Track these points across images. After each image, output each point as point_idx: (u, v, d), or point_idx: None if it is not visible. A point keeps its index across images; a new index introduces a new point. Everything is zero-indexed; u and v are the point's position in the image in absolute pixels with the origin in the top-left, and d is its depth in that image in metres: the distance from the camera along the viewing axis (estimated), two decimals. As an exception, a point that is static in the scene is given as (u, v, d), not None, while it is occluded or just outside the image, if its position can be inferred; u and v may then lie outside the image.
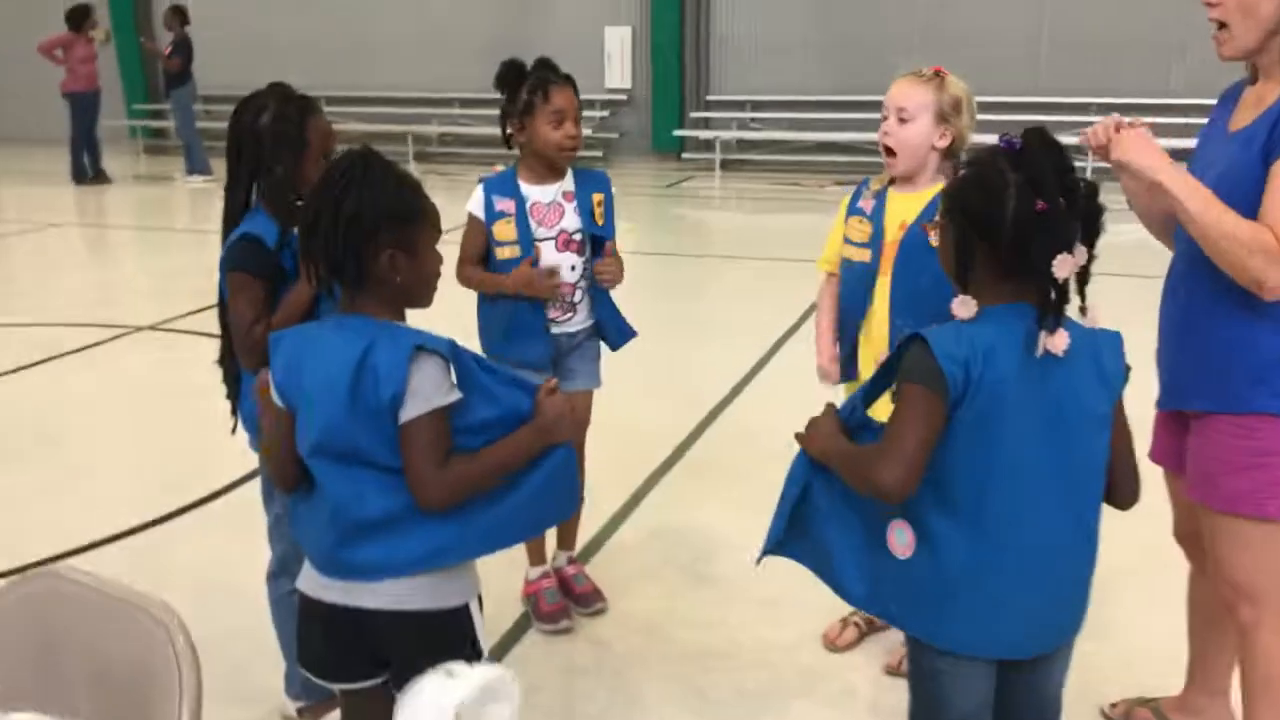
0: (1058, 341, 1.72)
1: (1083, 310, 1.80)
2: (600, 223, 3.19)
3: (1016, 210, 1.70)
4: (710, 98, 14.80)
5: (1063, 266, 1.69)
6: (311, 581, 2.02)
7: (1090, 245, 1.73)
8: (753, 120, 14.57)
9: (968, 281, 1.80)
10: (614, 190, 3.25)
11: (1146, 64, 12.89)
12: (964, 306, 1.78)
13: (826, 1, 14.05)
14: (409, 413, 1.86)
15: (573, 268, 3.16)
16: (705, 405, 5.26)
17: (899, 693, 2.94)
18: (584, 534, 3.64)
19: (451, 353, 1.92)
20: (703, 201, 12.80)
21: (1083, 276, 1.75)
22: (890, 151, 2.79)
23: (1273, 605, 2.23)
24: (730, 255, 9.40)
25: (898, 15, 13.77)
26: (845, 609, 3.28)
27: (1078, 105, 12.92)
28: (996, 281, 1.78)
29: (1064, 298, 1.72)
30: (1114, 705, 2.78)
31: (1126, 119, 2.14)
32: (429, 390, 1.87)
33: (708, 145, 14.46)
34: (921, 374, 1.76)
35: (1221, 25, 2.13)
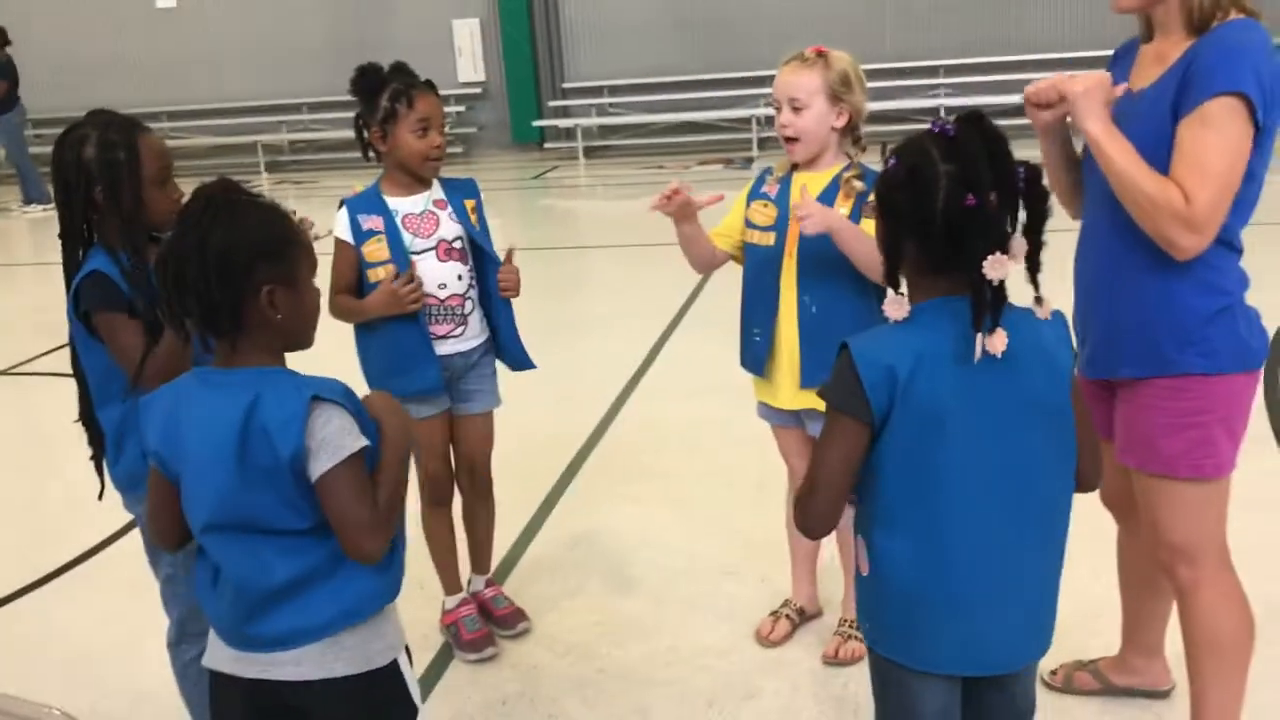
0: (995, 343, 1.62)
1: (1037, 300, 1.70)
2: (478, 228, 3.04)
3: (946, 204, 1.60)
4: (567, 85, 14.67)
5: (995, 267, 1.59)
6: (223, 656, 1.84)
7: (1036, 232, 1.64)
8: (611, 105, 14.49)
9: (897, 278, 1.71)
10: (480, 189, 3.10)
11: (985, 23, 13.23)
12: (895, 306, 1.68)
13: (674, -20, 14.02)
14: (322, 465, 1.70)
15: (459, 277, 3.00)
16: (602, 403, 5.15)
17: (843, 680, 2.92)
18: (496, 552, 3.50)
19: (346, 397, 1.77)
20: (569, 191, 12.68)
21: (1033, 264, 1.66)
22: (790, 140, 2.72)
23: (1211, 564, 2.23)
24: (603, 245, 9.31)
25: (745, -9, 13.83)
26: (775, 603, 3.23)
27: (926, 69, 13.23)
28: (928, 278, 1.69)
29: (1001, 297, 1.62)
30: (1053, 673, 2.78)
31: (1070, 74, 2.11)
32: (337, 437, 1.71)
33: (569, 134, 14.34)
34: (842, 395, 1.69)
35: None
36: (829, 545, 3.14)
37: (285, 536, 1.74)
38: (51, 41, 15.38)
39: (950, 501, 1.68)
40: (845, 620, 3.04)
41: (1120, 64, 2.28)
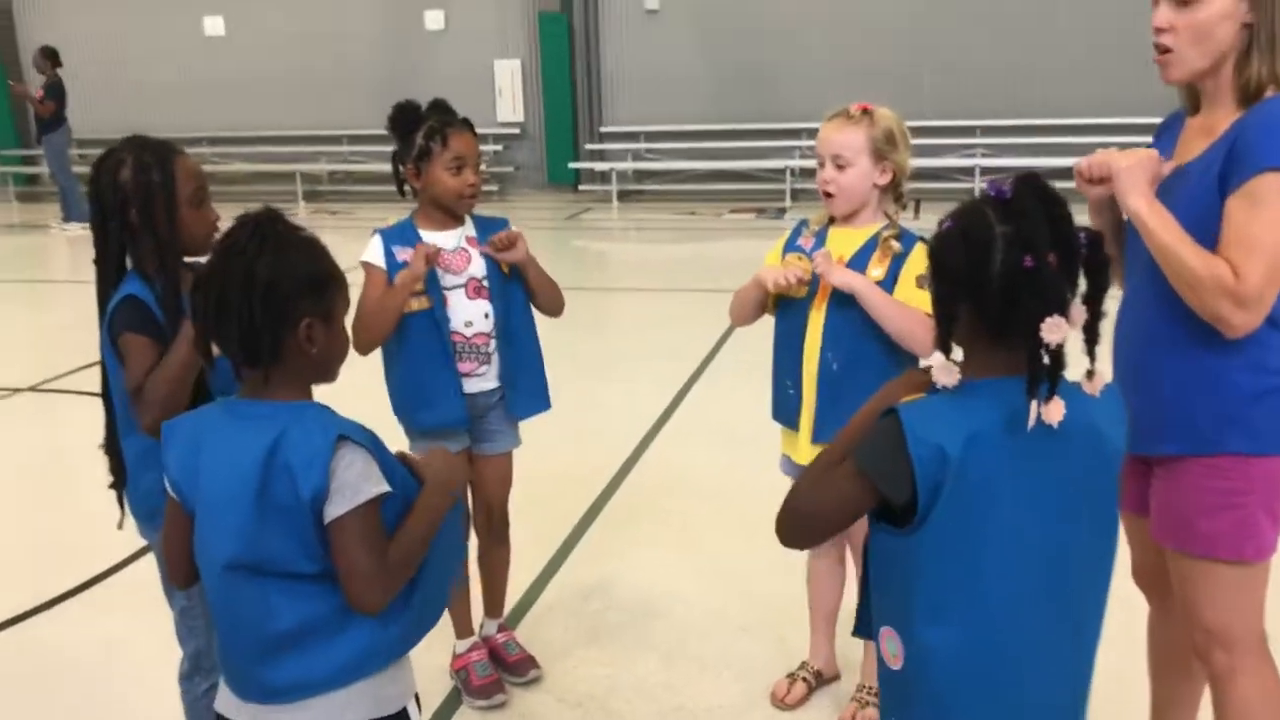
0: (1052, 412, 1.53)
1: (1089, 374, 1.61)
2: (506, 271, 3.01)
3: (1003, 266, 1.52)
4: (604, 129, 14.76)
5: (1053, 331, 1.50)
6: (230, 704, 1.80)
7: (1096, 302, 1.56)
8: (647, 150, 14.56)
9: (949, 343, 1.63)
10: (513, 227, 3.09)
11: (1024, 84, 13.24)
12: (946, 372, 1.60)
13: (714, 31, 14.13)
14: (337, 509, 1.66)
15: (485, 315, 2.98)
16: (624, 448, 5.11)
17: (860, 752, 2.84)
18: (510, 596, 3.45)
19: (372, 441, 1.73)
20: (602, 233, 12.71)
21: (1091, 336, 1.58)
22: (830, 195, 2.70)
23: (1248, 651, 2.16)
24: (633, 288, 9.31)
25: (783, 45, 13.91)
26: (792, 663, 3.16)
27: (963, 128, 13.24)
28: (983, 346, 1.61)
29: (1059, 364, 1.54)
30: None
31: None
32: (356, 481, 1.68)
33: (603, 177, 14.40)
34: (878, 465, 1.59)
35: (1164, 49, 2.07)
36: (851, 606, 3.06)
37: (296, 580, 1.70)
38: (100, 63, 15.67)
39: (998, 589, 1.59)
40: (864, 686, 2.96)
41: (1165, 137, 2.24)
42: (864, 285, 2.61)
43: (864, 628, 1.84)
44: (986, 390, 1.59)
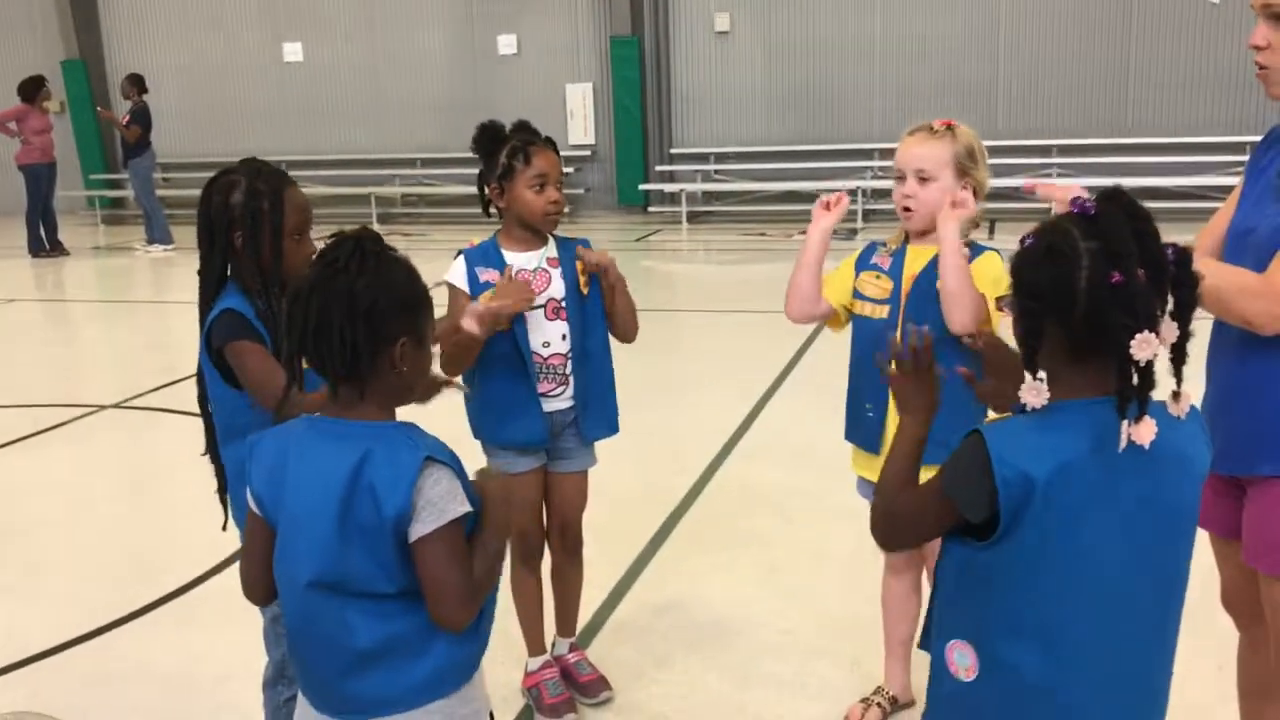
0: (1143, 432, 1.50)
1: (1175, 395, 1.58)
2: (585, 291, 3.03)
3: (1089, 282, 1.49)
4: (674, 151, 14.81)
5: (1143, 348, 1.47)
6: (311, 716, 1.83)
7: (1184, 321, 1.52)
8: (717, 172, 14.58)
9: (1035, 364, 1.59)
10: (595, 248, 3.10)
11: (1096, 107, 13.06)
12: (1033, 392, 1.56)
13: (785, 52, 14.14)
14: (423, 527, 1.69)
15: (563, 336, 3.00)
16: (697, 467, 5.10)
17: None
18: (582, 615, 3.45)
19: (454, 461, 1.76)
20: (671, 255, 12.72)
21: (1178, 357, 1.54)
22: (909, 210, 2.67)
23: (1343, 680, 2.09)
24: (703, 309, 9.30)
25: (854, 65, 13.87)
26: (866, 688, 3.12)
27: (1038, 148, 13.07)
28: (1069, 366, 1.57)
29: (1148, 382, 1.50)
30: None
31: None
32: (442, 501, 1.70)
33: (673, 198, 14.45)
34: (961, 487, 1.59)
35: (1263, 66, 2.04)
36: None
37: (373, 600, 1.73)
38: (184, 90, 16.12)
39: (1079, 609, 1.57)
40: (940, 711, 2.91)
41: (1271, 148, 2.19)
42: (955, 246, 2.55)
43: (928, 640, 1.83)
44: (1073, 411, 1.56)
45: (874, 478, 2.79)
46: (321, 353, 1.73)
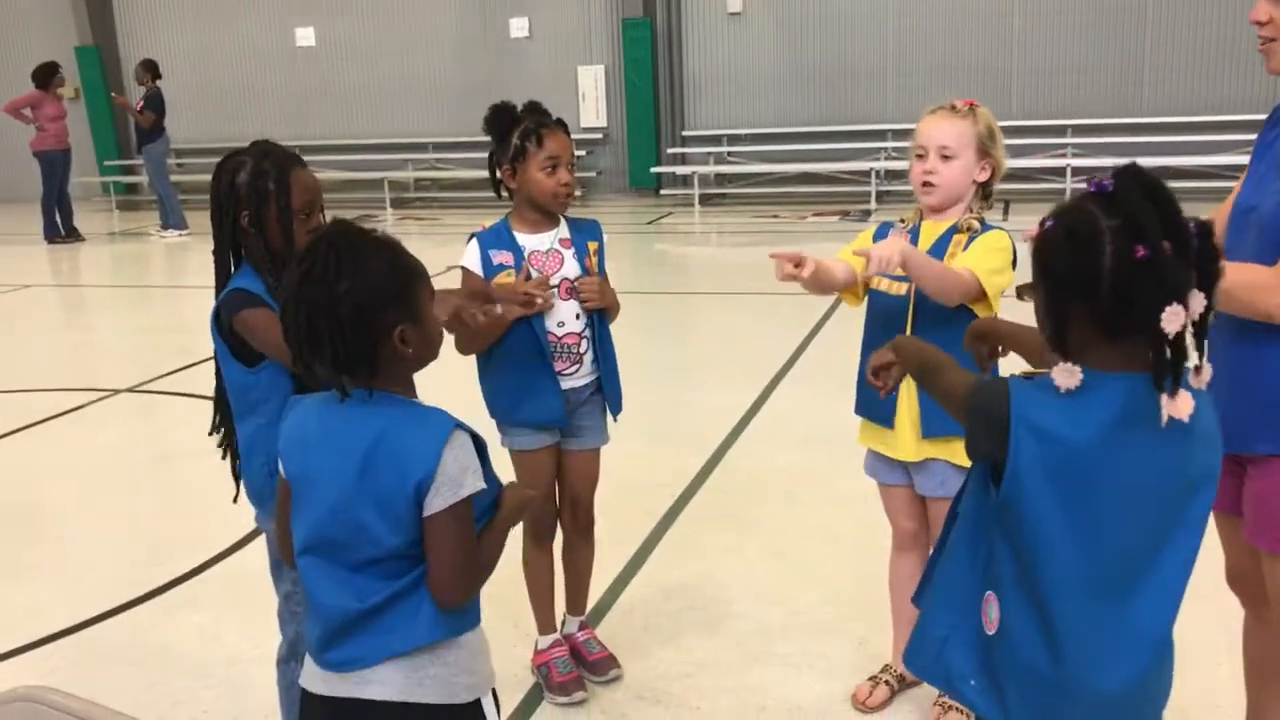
0: (1181, 406, 1.48)
1: (1196, 369, 1.55)
2: (595, 273, 3.06)
3: (1114, 260, 1.47)
4: (686, 133, 14.78)
5: (1172, 320, 1.45)
6: (312, 676, 1.87)
7: (1208, 293, 1.49)
8: (729, 154, 14.55)
9: (1066, 346, 1.57)
10: (602, 226, 3.12)
11: (1111, 87, 12.98)
12: (1066, 375, 1.54)
13: (797, 33, 14.09)
14: (441, 502, 1.72)
15: (577, 316, 3.02)
16: (706, 450, 5.11)
17: (942, 758, 2.81)
18: (592, 594, 3.48)
19: (476, 435, 1.79)
20: (683, 237, 12.72)
21: (1200, 329, 1.51)
22: (930, 185, 2.67)
23: (1346, 657, 2.09)
24: (715, 291, 9.30)
25: (868, 46, 13.81)
26: (874, 666, 3.14)
27: (1053, 128, 13.00)
28: (1099, 346, 1.55)
29: (1181, 355, 1.48)
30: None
31: None
32: (458, 475, 1.73)
33: (685, 181, 14.43)
34: (980, 419, 1.63)
35: (1266, 40, 2.03)
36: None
37: (382, 561, 1.76)
38: (197, 75, 16.18)
39: (1100, 574, 1.58)
40: (946, 690, 2.93)
41: (1277, 126, 2.19)
42: (905, 250, 2.49)
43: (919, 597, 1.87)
44: (1103, 384, 1.55)
45: (884, 449, 2.82)
46: (320, 358, 1.74)
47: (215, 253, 2.44)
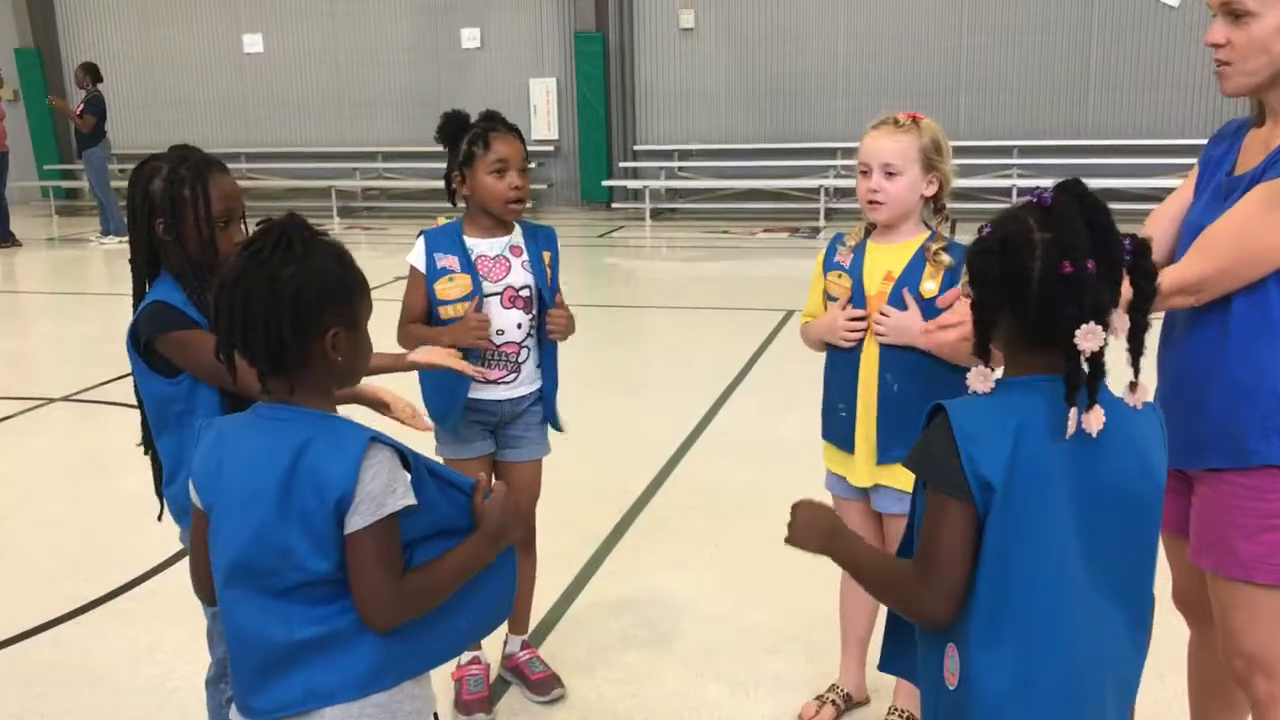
0: (1092, 420, 1.50)
1: (1132, 386, 1.58)
2: (550, 282, 3.02)
3: (1041, 273, 1.50)
4: (637, 147, 14.77)
5: (1088, 338, 1.48)
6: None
7: (1140, 312, 1.52)
8: (680, 169, 14.56)
9: (987, 351, 1.60)
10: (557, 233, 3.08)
11: (1057, 106, 13.18)
12: (980, 379, 1.57)
13: (748, 50, 14.15)
14: (360, 520, 1.63)
15: (519, 325, 2.97)
16: (655, 463, 5.07)
17: (888, 778, 2.78)
18: (534, 611, 3.42)
19: (401, 450, 1.70)
20: (634, 251, 12.69)
21: (1135, 346, 1.54)
22: (876, 204, 2.64)
23: (1291, 677, 2.09)
24: (666, 305, 9.28)
25: (818, 64, 13.90)
26: (821, 685, 3.11)
27: (999, 148, 13.16)
28: (1023, 353, 1.59)
29: (1098, 372, 1.51)
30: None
31: None
32: (380, 494, 1.64)
33: (637, 195, 14.41)
34: (941, 475, 1.56)
35: (1220, 63, 2.04)
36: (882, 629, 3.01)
37: (311, 588, 1.67)
38: (140, 79, 15.91)
39: (1050, 597, 1.55)
40: (895, 709, 2.90)
41: (1224, 142, 2.20)
42: (952, 342, 2.47)
43: (890, 663, 1.81)
44: (1026, 387, 1.57)
45: (845, 474, 2.79)
46: (249, 345, 1.68)
47: (132, 263, 2.34)
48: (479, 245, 2.96)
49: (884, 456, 2.67)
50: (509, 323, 2.95)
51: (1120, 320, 1.52)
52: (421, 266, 2.94)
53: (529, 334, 3.00)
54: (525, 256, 2.99)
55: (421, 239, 2.97)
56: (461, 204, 3.00)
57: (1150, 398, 1.62)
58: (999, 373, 1.63)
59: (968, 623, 1.58)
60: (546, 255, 3.03)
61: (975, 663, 1.58)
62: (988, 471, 1.52)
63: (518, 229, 3.02)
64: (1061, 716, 1.59)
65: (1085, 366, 1.50)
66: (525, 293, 2.98)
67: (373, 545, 1.64)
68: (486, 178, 2.89)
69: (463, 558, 1.76)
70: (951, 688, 1.62)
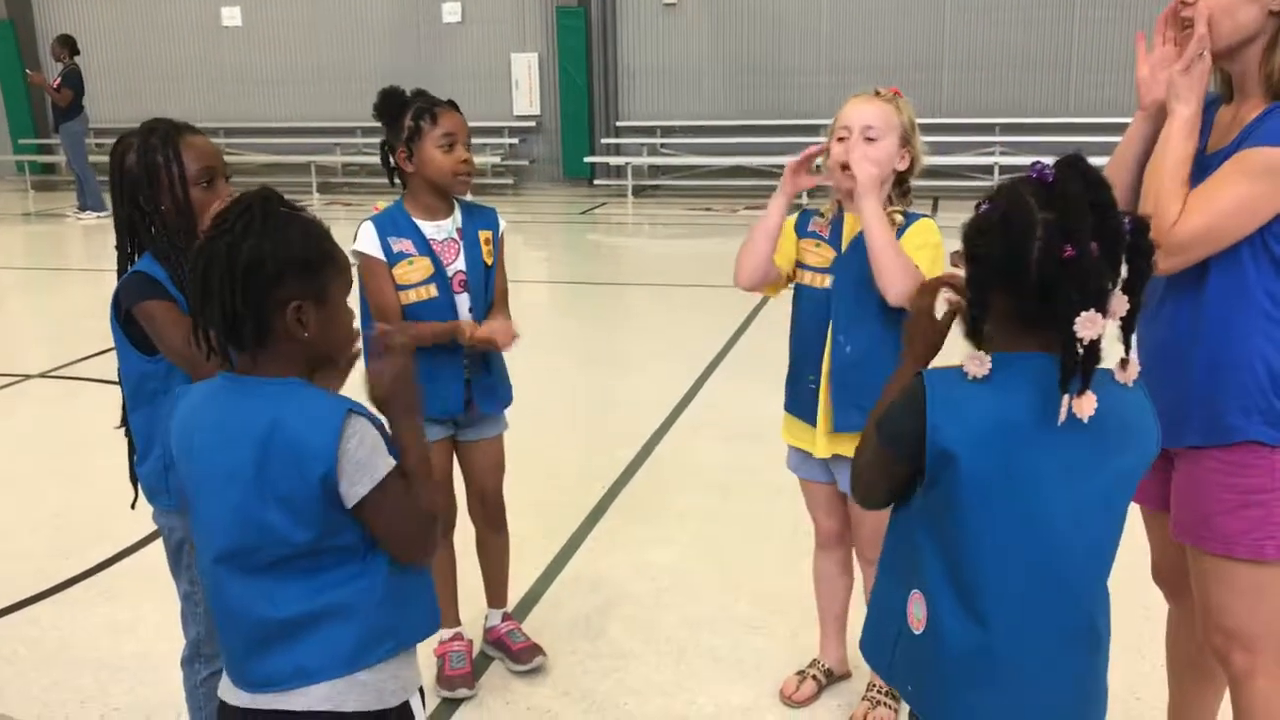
0: (1084, 405, 1.48)
1: (1123, 363, 1.56)
2: (489, 262, 2.98)
3: (1042, 255, 1.46)
4: (620, 123, 14.71)
5: (1088, 325, 1.45)
6: (230, 690, 1.77)
7: (1135, 293, 1.49)
8: (663, 145, 14.51)
9: (981, 332, 1.57)
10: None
11: (1039, 84, 13.18)
12: (976, 363, 1.54)
13: (731, 27, 14.09)
14: (362, 489, 1.64)
15: (470, 310, 2.95)
16: (636, 442, 5.06)
17: (871, 752, 2.79)
18: (515, 589, 3.42)
19: (370, 414, 1.71)
20: (616, 228, 12.66)
21: (1128, 324, 1.52)
22: (846, 168, 2.61)
23: (1269, 652, 2.10)
24: (647, 282, 9.26)
25: (801, 41, 13.85)
26: (802, 660, 3.12)
27: (981, 125, 13.15)
28: (1016, 334, 1.56)
29: (1093, 358, 1.48)
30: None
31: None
32: (370, 458, 1.65)
33: (619, 171, 14.36)
34: (894, 429, 1.61)
35: (1184, 24, 2.03)
36: (859, 606, 3.02)
37: (295, 561, 1.67)
38: (118, 52, 15.73)
39: (1018, 569, 1.57)
40: (874, 685, 2.92)
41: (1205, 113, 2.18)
42: (874, 213, 2.49)
43: (869, 650, 1.82)
44: (1016, 365, 1.55)
45: (806, 447, 2.79)
46: (207, 318, 1.66)
47: (117, 246, 2.31)
48: (428, 228, 2.92)
49: (841, 423, 2.65)
50: (461, 306, 2.93)
51: (1119, 303, 1.48)
52: (378, 253, 2.87)
53: (478, 320, 2.95)
54: (464, 241, 2.95)
55: (370, 224, 2.90)
56: (400, 182, 2.95)
57: (1137, 375, 1.61)
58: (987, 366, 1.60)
59: (940, 578, 1.61)
60: (485, 234, 2.98)
61: (945, 617, 1.61)
62: (950, 441, 1.53)
63: (458, 209, 2.98)
64: (1024, 675, 1.61)
65: (1081, 352, 1.47)
66: (469, 277, 2.95)
67: (388, 501, 1.67)
68: (435, 152, 2.86)
69: (406, 446, 1.74)
70: (917, 632, 1.65)
